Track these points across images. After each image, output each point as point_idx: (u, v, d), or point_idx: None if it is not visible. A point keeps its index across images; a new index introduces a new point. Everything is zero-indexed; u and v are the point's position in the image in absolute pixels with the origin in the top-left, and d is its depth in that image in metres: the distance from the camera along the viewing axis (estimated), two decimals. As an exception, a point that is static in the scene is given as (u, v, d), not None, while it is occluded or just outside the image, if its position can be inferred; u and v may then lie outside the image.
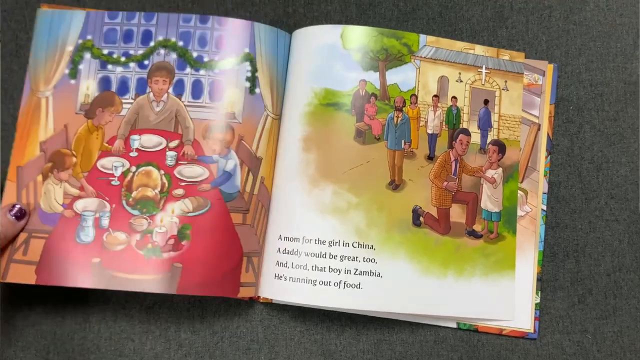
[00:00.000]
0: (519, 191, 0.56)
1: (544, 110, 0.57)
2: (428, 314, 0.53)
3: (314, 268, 0.52)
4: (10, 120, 0.59)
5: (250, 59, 0.56)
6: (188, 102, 0.56)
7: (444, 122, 0.55)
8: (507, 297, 0.54)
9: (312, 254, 0.52)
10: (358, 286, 0.52)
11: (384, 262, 0.52)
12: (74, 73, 0.56)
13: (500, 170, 0.55)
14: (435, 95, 0.55)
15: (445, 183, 0.54)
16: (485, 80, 0.56)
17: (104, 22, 0.57)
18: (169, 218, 0.53)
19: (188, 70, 0.56)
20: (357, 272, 0.52)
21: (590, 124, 0.58)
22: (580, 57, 0.59)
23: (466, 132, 0.55)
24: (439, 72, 0.56)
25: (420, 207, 0.54)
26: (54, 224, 0.54)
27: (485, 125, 0.56)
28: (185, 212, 0.54)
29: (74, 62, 0.56)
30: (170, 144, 0.55)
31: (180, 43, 0.56)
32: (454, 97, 0.56)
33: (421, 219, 0.54)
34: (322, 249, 0.52)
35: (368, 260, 0.52)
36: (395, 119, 0.54)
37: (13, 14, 0.60)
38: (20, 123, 0.56)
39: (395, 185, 0.54)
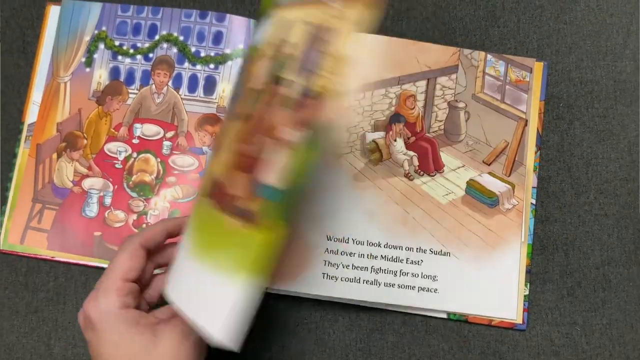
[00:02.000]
0: (505, 184, 0.57)
1: (531, 106, 0.59)
2: None
3: None
4: (17, 114, 0.61)
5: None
6: (184, 95, 0.59)
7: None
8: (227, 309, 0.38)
9: None
10: None
11: None
12: (89, 61, 0.60)
13: (306, 133, 0.37)
14: None
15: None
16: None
17: (117, 15, 0.61)
18: (162, 202, 0.57)
19: (186, 64, 0.59)
20: None
21: (580, 120, 0.59)
22: (570, 56, 0.60)
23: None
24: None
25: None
26: (64, 198, 0.58)
27: (305, 69, 0.38)
28: (175, 198, 0.57)
29: (90, 52, 0.60)
30: (167, 134, 0.58)
31: (181, 38, 0.60)
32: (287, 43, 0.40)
33: None
34: None
35: None
36: None
37: (21, 12, 0.62)
38: (42, 104, 0.60)
39: None
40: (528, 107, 0.58)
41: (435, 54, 0.59)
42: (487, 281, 0.55)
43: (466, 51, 0.59)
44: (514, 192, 0.57)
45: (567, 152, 0.59)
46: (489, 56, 0.59)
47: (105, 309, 0.43)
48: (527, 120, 0.58)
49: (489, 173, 0.58)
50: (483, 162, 0.58)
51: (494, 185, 0.57)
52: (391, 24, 0.61)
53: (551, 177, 0.58)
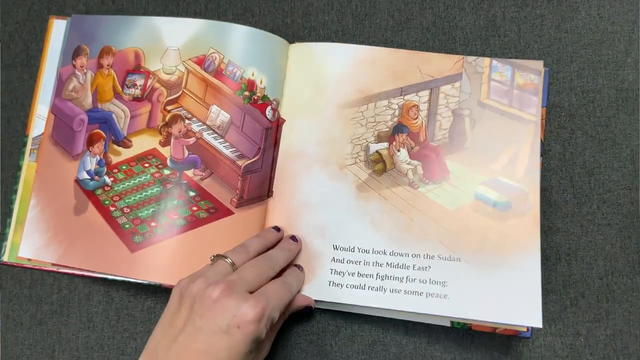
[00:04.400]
0: (518, 186, 0.56)
1: (539, 109, 0.57)
2: None
3: None
4: (21, 127, 0.61)
5: None
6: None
7: None
8: None
9: None
10: None
11: None
12: None
13: None
14: None
15: None
16: None
17: None
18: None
19: None
20: None
21: (582, 129, 0.59)
22: (572, 65, 0.60)
23: None
24: None
25: None
26: None
27: None
28: None
29: None
30: None
31: None
32: None
33: None
34: None
35: None
36: None
37: (24, 26, 0.63)
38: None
39: None
40: (538, 110, 0.57)
41: (438, 63, 0.59)
42: (502, 286, 0.53)
43: (470, 58, 0.59)
44: (527, 196, 0.56)
45: (569, 161, 0.58)
46: (495, 62, 0.58)
47: None
48: (536, 123, 0.57)
49: (500, 177, 0.56)
50: (491, 167, 0.57)
51: (506, 188, 0.56)
52: (391, 34, 0.61)
53: (553, 186, 0.58)
